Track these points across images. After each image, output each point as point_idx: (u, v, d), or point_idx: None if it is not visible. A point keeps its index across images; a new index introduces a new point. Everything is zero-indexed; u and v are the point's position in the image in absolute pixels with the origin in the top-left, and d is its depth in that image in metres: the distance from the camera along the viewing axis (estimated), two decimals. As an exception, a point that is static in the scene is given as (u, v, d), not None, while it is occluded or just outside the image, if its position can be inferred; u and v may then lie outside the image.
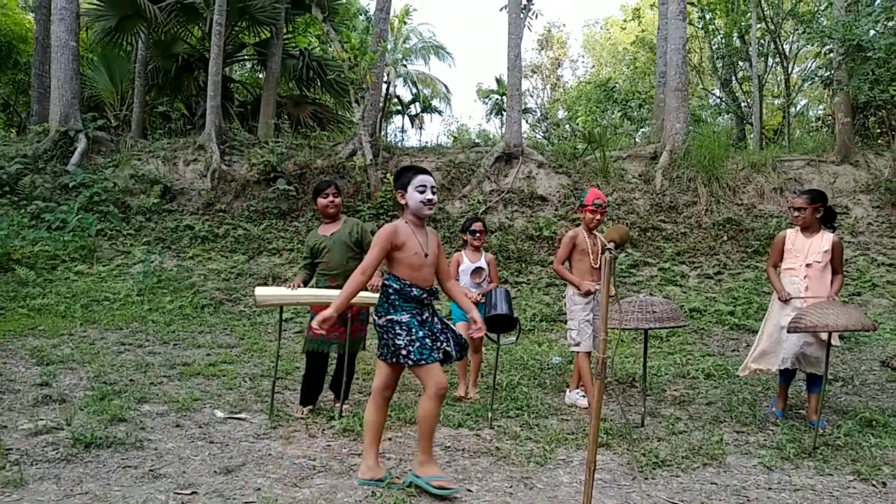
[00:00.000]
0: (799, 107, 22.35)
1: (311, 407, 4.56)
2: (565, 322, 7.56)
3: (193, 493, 3.14)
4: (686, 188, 10.96)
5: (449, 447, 3.97)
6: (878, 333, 7.21)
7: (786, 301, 4.51)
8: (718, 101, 21.81)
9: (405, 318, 3.20)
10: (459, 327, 5.23)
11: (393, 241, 3.22)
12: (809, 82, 18.90)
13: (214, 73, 11.63)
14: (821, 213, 4.59)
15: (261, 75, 17.45)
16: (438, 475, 3.21)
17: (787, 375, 4.66)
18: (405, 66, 27.54)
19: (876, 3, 10.74)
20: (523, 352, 6.73)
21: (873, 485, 3.43)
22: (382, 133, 17.03)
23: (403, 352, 3.16)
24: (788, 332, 4.19)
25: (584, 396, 4.98)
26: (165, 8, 12.89)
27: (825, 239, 4.56)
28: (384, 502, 3.07)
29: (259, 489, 3.21)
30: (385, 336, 3.23)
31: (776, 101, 21.30)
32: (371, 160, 10.81)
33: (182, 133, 12.91)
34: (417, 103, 30.17)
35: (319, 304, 4.48)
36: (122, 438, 3.76)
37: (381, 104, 13.39)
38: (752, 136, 17.25)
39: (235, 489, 3.20)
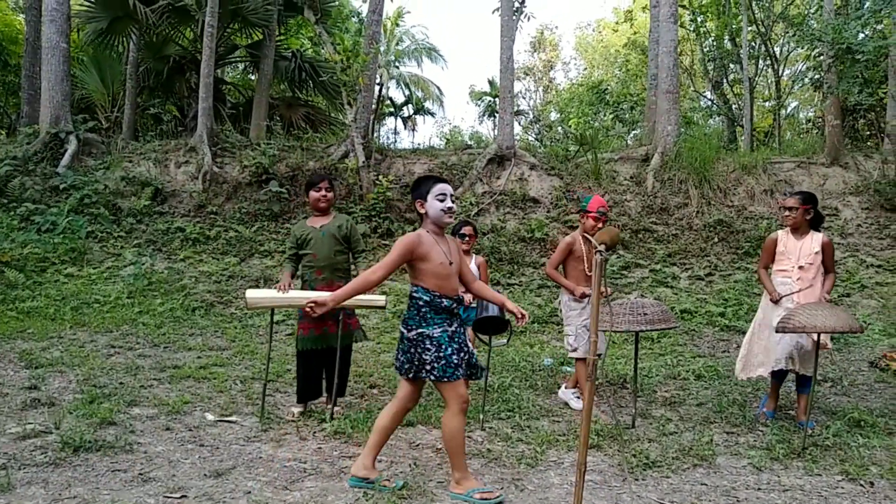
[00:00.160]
0: (789, 109, 22.48)
1: (301, 409, 4.55)
2: (557, 324, 7.59)
3: (183, 496, 3.13)
4: (677, 190, 11.01)
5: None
6: (867, 334, 7.26)
7: (776, 302, 4.54)
8: (710, 103, 21.92)
9: (437, 332, 3.16)
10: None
11: (414, 251, 3.17)
12: (799, 85, 19.04)
13: (206, 75, 11.60)
14: (811, 214, 4.63)
15: (253, 77, 17.42)
16: (479, 487, 3.20)
17: (779, 375, 4.69)
18: (397, 67, 27.55)
19: (865, 7, 10.81)
20: (515, 353, 6.74)
21: (861, 485, 3.45)
22: (375, 135, 17.04)
23: (428, 367, 3.13)
24: (777, 331, 4.21)
25: (578, 398, 4.99)
26: (157, 10, 12.84)
27: (815, 240, 4.59)
28: (375, 505, 3.07)
29: (249, 492, 3.20)
30: (412, 350, 3.18)
31: (767, 104, 21.43)
32: (363, 162, 10.80)
33: (173, 135, 12.86)
34: (410, 105, 30.20)
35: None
36: (111, 442, 3.75)
37: (373, 106, 13.39)
38: (742, 138, 17.33)
39: (225, 492, 3.19)
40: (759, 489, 3.41)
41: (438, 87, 30.06)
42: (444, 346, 3.14)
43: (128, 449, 3.71)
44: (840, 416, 4.61)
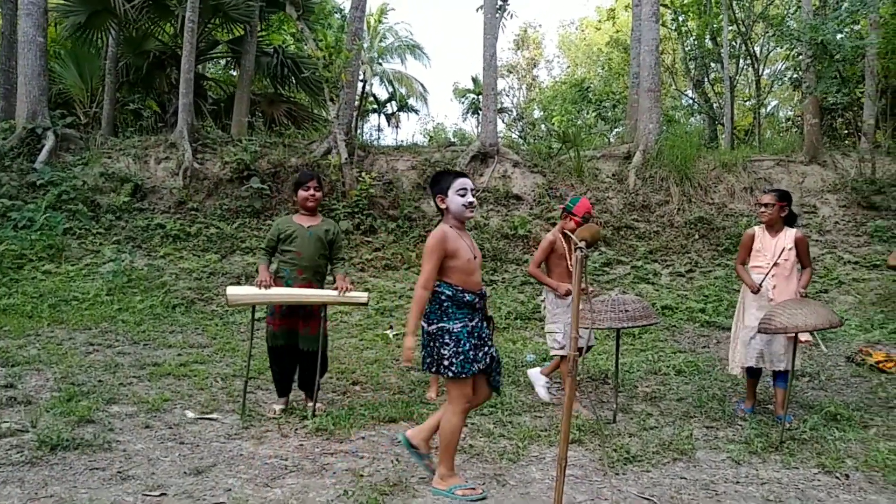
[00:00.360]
0: (769, 108, 22.75)
1: (283, 406, 4.53)
2: (540, 320, 7.62)
3: (162, 494, 3.10)
4: (659, 187, 11.09)
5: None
6: (844, 330, 7.37)
7: (755, 292, 4.59)
8: (691, 101, 22.11)
9: (457, 327, 3.14)
10: None
11: (446, 248, 3.16)
12: (779, 84, 19.28)
13: (187, 71, 11.48)
14: (786, 212, 4.70)
15: (234, 73, 17.27)
16: (461, 484, 3.21)
17: (754, 371, 4.75)
18: (380, 63, 27.45)
19: (842, 8, 10.97)
20: (497, 349, 6.74)
21: (837, 477, 3.51)
22: (358, 132, 16.97)
23: (445, 362, 3.12)
24: (759, 332, 4.27)
25: (546, 388, 5.03)
26: (136, 4, 12.68)
27: (788, 236, 4.66)
28: (356, 500, 3.06)
29: (230, 489, 3.18)
30: (431, 344, 3.18)
31: (747, 103, 21.65)
32: (346, 159, 10.76)
33: (154, 131, 12.71)
34: (394, 102, 30.10)
35: (291, 302, 4.46)
36: (89, 440, 3.71)
37: (356, 103, 13.33)
38: (723, 136, 17.51)
39: (205, 490, 3.17)
40: (737, 482, 3.45)
41: (422, 84, 30.01)
42: (462, 342, 3.13)
43: (106, 447, 3.67)
44: (817, 410, 4.68)
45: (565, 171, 11.56)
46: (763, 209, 4.72)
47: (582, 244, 2.84)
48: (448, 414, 3.22)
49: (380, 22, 26.77)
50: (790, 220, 4.76)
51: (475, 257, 3.26)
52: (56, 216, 9.44)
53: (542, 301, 5.16)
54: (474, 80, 28.48)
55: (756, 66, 18.55)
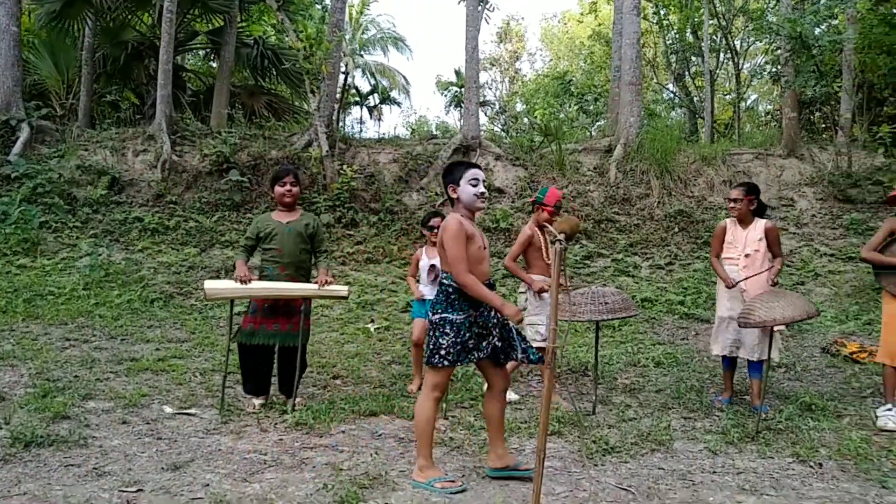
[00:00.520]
0: (749, 102, 22.95)
1: (262, 401, 4.50)
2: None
3: (139, 490, 3.07)
4: (639, 181, 11.16)
5: (403, 438, 3.97)
6: (820, 321, 7.48)
7: (731, 287, 4.65)
8: (672, 95, 22.25)
9: (460, 318, 3.17)
10: (417, 322, 5.23)
11: (466, 232, 3.17)
12: (758, 78, 19.44)
13: (165, 62, 11.33)
14: (755, 205, 4.77)
15: (214, 64, 17.06)
16: (440, 476, 3.21)
17: (729, 362, 4.81)
18: (361, 55, 27.26)
19: (820, 2, 11.07)
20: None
21: (811, 466, 3.56)
22: (341, 124, 16.87)
23: (442, 351, 3.14)
24: (739, 326, 4.32)
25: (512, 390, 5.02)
26: (113, -6, 12.49)
27: (758, 228, 4.73)
28: (336, 494, 3.06)
29: (208, 485, 3.16)
30: (432, 333, 3.20)
31: (727, 97, 21.83)
32: (327, 151, 10.69)
33: (131, 123, 12.53)
34: (376, 94, 29.92)
35: (270, 297, 4.44)
36: (64, 436, 3.66)
37: (338, 95, 13.24)
38: (703, 130, 17.64)
39: (183, 485, 3.14)
40: (714, 472, 3.49)
41: (405, 77, 29.81)
42: (462, 332, 3.16)
43: (82, 443, 3.62)
44: (792, 400, 4.75)
45: (547, 164, 11.58)
46: (732, 204, 4.79)
47: (561, 236, 2.84)
48: (422, 401, 3.24)
49: (361, 13, 26.57)
50: (760, 211, 4.83)
51: (485, 246, 3.30)
52: (31, 209, 9.28)
53: (524, 293, 5.16)
54: (457, 72, 28.40)
55: (736, 60, 18.69)
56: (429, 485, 3.15)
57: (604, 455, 3.70)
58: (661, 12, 19.13)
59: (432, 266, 5.17)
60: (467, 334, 3.17)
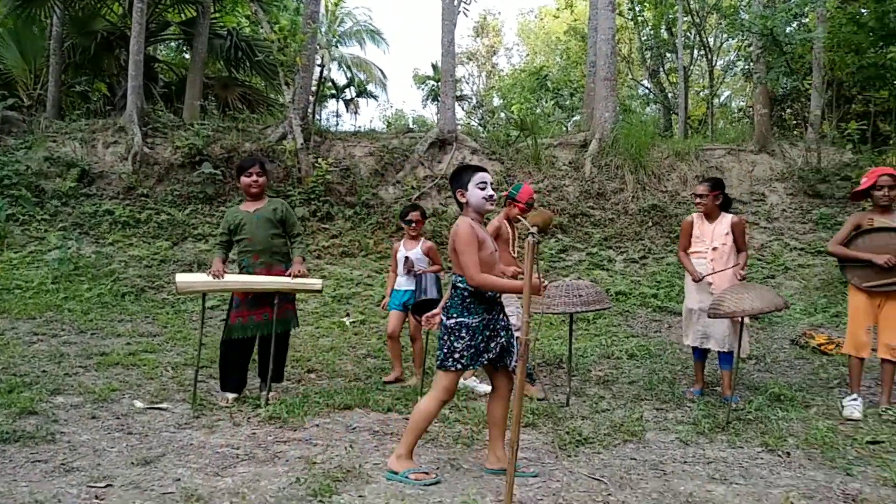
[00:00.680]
0: (722, 98, 23.25)
1: (236, 395, 4.47)
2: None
3: (108, 485, 3.03)
4: (614, 175, 11.24)
5: (378, 431, 3.97)
6: (789, 314, 7.61)
7: (697, 281, 4.72)
8: (647, 91, 22.43)
9: (475, 321, 3.17)
10: (393, 315, 5.23)
11: (477, 236, 3.16)
12: (731, 74, 19.70)
13: (136, 52, 11.12)
14: (720, 199, 4.84)
15: (187, 55, 16.81)
16: (415, 468, 3.22)
17: (700, 354, 4.88)
18: (336, 46, 27.04)
19: (791, 1, 11.23)
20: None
21: (779, 455, 3.62)
22: (317, 117, 16.72)
23: (457, 355, 3.13)
24: (709, 317, 4.39)
25: (481, 381, 4.98)
26: (81, -19, 12.21)
27: (725, 222, 4.80)
28: (309, 487, 3.04)
29: (178, 479, 3.12)
30: (446, 337, 3.17)
31: (701, 93, 22.08)
32: (302, 144, 10.59)
33: (102, 114, 12.28)
34: (352, 87, 29.74)
35: (242, 290, 4.40)
36: (31, 432, 3.59)
37: (313, 87, 13.12)
38: (677, 125, 17.83)
39: (153, 480, 3.10)
40: (685, 462, 3.54)
41: (381, 70, 29.66)
42: (476, 335, 3.16)
43: (49, 439, 3.56)
44: (762, 391, 4.83)
45: (523, 158, 11.61)
46: (699, 200, 4.86)
47: (534, 230, 2.85)
48: (429, 399, 3.24)
49: (337, 5, 26.30)
50: (726, 205, 4.90)
51: (495, 250, 3.31)
52: (-3, 202, 9.08)
53: None
54: (434, 66, 28.34)
55: (710, 56, 18.91)
56: (403, 476, 3.15)
57: (577, 446, 3.73)
58: (636, 8, 19.27)
59: (406, 258, 5.18)
60: (480, 337, 3.18)
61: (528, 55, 31.72)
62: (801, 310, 7.90)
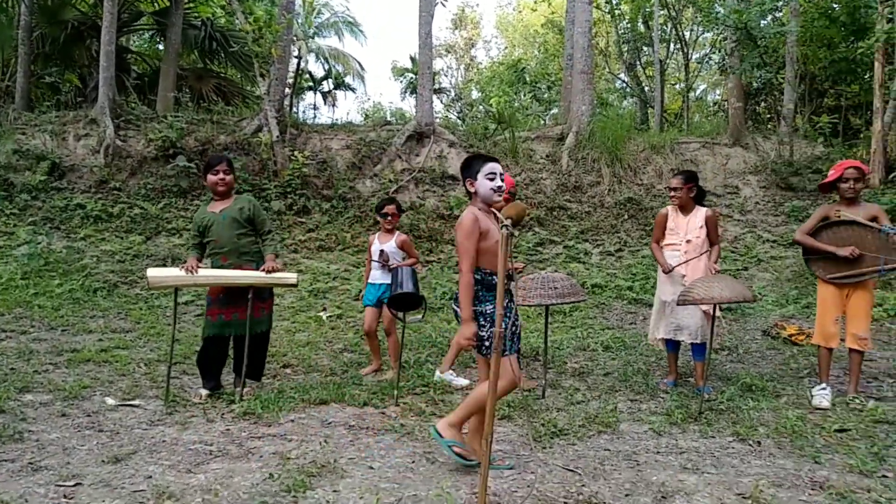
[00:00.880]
0: (698, 92, 23.46)
1: (209, 392, 4.42)
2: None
3: (77, 484, 2.98)
4: (590, 169, 11.30)
5: (353, 426, 3.95)
6: (761, 305, 7.73)
7: (667, 272, 4.77)
8: (623, 84, 22.56)
9: (489, 308, 3.15)
10: (368, 312, 5.21)
11: (479, 229, 3.14)
12: (707, 68, 19.89)
13: (108, 43, 10.92)
14: (694, 192, 4.88)
15: (160, 46, 16.54)
16: (461, 443, 3.23)
17: (673, 345, 4.94)
18: (314, 38, 26.79)
19: (765, -6, 11.35)
20: (432, 329, 6.78)
21: (750, 444, 3.68)
22: (294, 109, 16.56)
23: (487, 343, 3.14)
24: (678, 304, 4.43)
25: (457, 376, 5.00)
26: (50, -30, 11.95)
27: (699, 215, 4.85)
28: (283, 483, 3.02)
29: (150, 477, 3.09)
30: (478, 329, 3.16)
31: (677, 86, 22.27)
32: (278, 136, 10.50)
33: (73, 106, 12.07)
34: (330, 80, 29.50)
35: (215, 285, 4.35)
36: (-2, 431, 3.52)
37: (289, 79, 12.99)
38: (654, 119, 17.97)
39: (124, 478, 3.06)
40: (658, 452, 3.58)
41: (359, 63, 29.47)
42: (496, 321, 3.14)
43: (17, 438, 3.50)
44: (734, 381, 4.90)
45: (500, 151, 11.62)
46: (673, 193, 4.90)
47: (508, 222, 2.85)
48: (482, 386, 3.20)
49: (314, -3, 26.10)
50: (700, 198, 4.95)
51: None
52: (-36, 196, 8.88)
53: None
54: (413, 59, 28.20)
55: (685, 50, 19.07)
56: (447, 443, 3.19)
57: (552, 437, 3.76)
58: (613, 2, 19.34)
59: (381, 251, 5.16)
60: (503, 324, 3.17)
61: (506, 48, 31.73)
62: (773, 301, 8.02)
